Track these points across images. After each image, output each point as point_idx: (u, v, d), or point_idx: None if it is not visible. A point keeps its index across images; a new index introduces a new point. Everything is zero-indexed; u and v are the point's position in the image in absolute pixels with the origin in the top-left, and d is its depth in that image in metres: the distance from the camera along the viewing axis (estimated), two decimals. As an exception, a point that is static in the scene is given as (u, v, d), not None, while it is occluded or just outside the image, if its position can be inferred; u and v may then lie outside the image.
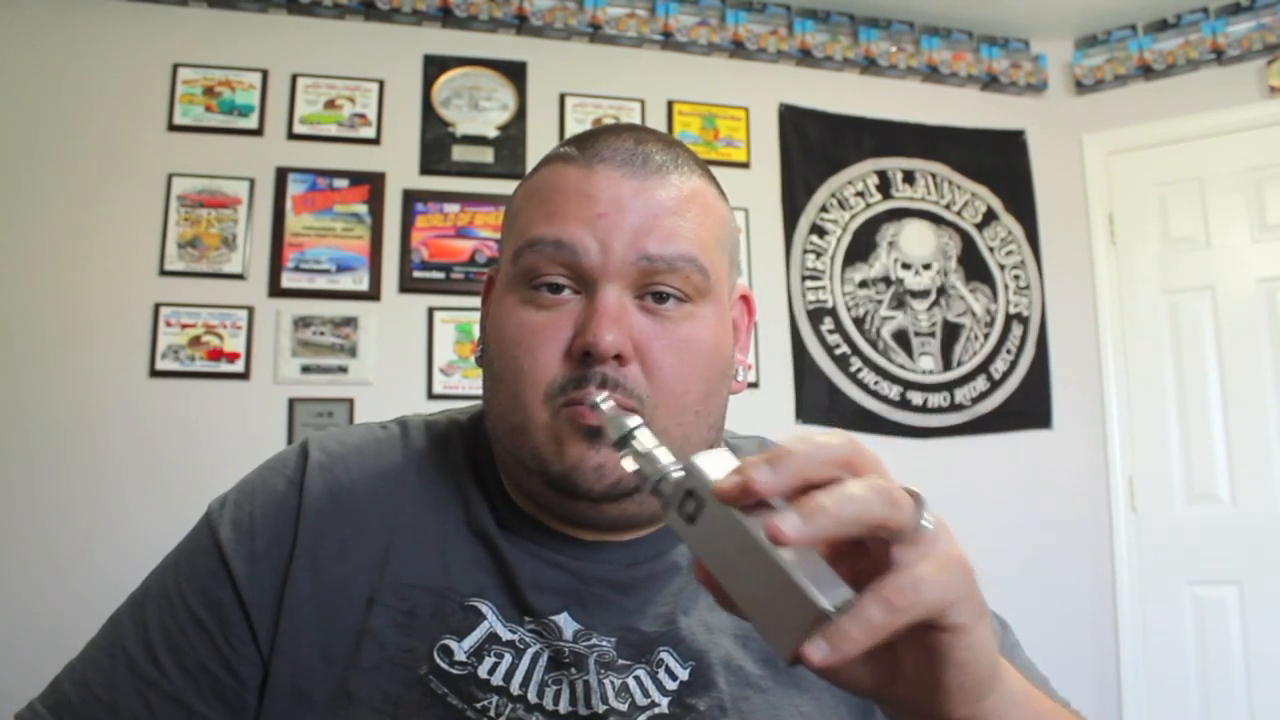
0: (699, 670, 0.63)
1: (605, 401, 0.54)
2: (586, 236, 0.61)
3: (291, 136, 2.45)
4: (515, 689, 0.61)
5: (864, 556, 0.42)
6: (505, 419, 0.63)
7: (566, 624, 0.63)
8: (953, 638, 0.41)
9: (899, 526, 0.40)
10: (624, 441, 0.49)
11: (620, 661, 0.63)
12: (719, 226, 0.67)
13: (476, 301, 0.74)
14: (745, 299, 0.72)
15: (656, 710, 0.61)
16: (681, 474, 0.44)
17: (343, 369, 2.37)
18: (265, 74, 2.46)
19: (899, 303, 2.82)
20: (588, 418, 0.59)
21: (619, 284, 0.61)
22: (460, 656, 0.61)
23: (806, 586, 0.39)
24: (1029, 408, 2.86)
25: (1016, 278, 2.93)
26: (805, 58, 2.84)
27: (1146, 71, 2.89)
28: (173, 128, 2.38)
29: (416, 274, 2.46)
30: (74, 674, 0.64)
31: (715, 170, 0.71)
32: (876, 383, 2.75)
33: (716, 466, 0.43)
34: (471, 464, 0.69)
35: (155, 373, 2.26)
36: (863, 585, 0.41)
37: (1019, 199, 2.98)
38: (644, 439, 0.49)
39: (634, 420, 0.49)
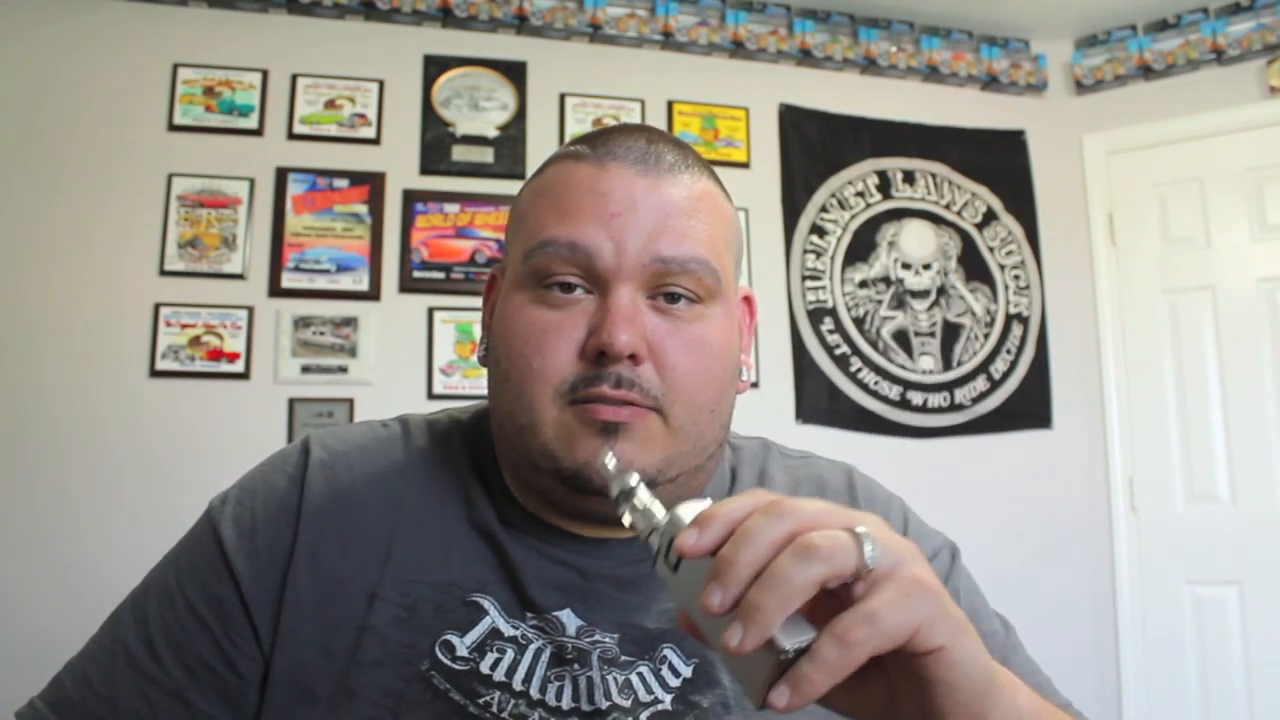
0: (702, 668, 0.63)
1: (610, 460, 0.55)
2: (600, 236, 0.61)
3: (291, 136, 2.45)
4: (518, 685, 0.61)
5: (834, 595, 0.43)
6: (513, 418, 0.63)
7: (569, 620, 0.63)
8: (932, 660, 0.42)
9: (844, 575, 0.41)
10: (625, 497, 0.50)
11: (623, 658, 0.63)
12: (727, 228, 0.67)
13: (477, 301, 0.74)
14: (748, 300, 0.72)
15: (659, 707, 0.61)
16: (664, 523, 0.46)
17: (343, 369, 2.37)
18: (265, 74, 2.46)
19: (899, 303, 2.82)
20: (601, 414, 0.59)
21: (632, 284, 0.61)
22: (462, 652, 0.61)
23: None
24: (1029, 408, 2.86)
25: (1016, 278, 2.93)
26: (805, 58, 2.84)
27: (1146, 71, 2.89)
28: (173, 128, 2.38)
29: (416, 274, 2.46)
30: (74, 671, 0.64)
31: (715, 170, 0.71)
32: (876, 383, 2.75)
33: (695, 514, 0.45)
34: (473, 461, 0.69)
35: (155, 373, 2.26)
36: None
37: (1019, 199, 2.98)
38: (642, 495, 0.50)
39: (634, 478, 0.50)
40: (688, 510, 0.45)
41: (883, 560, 0.41)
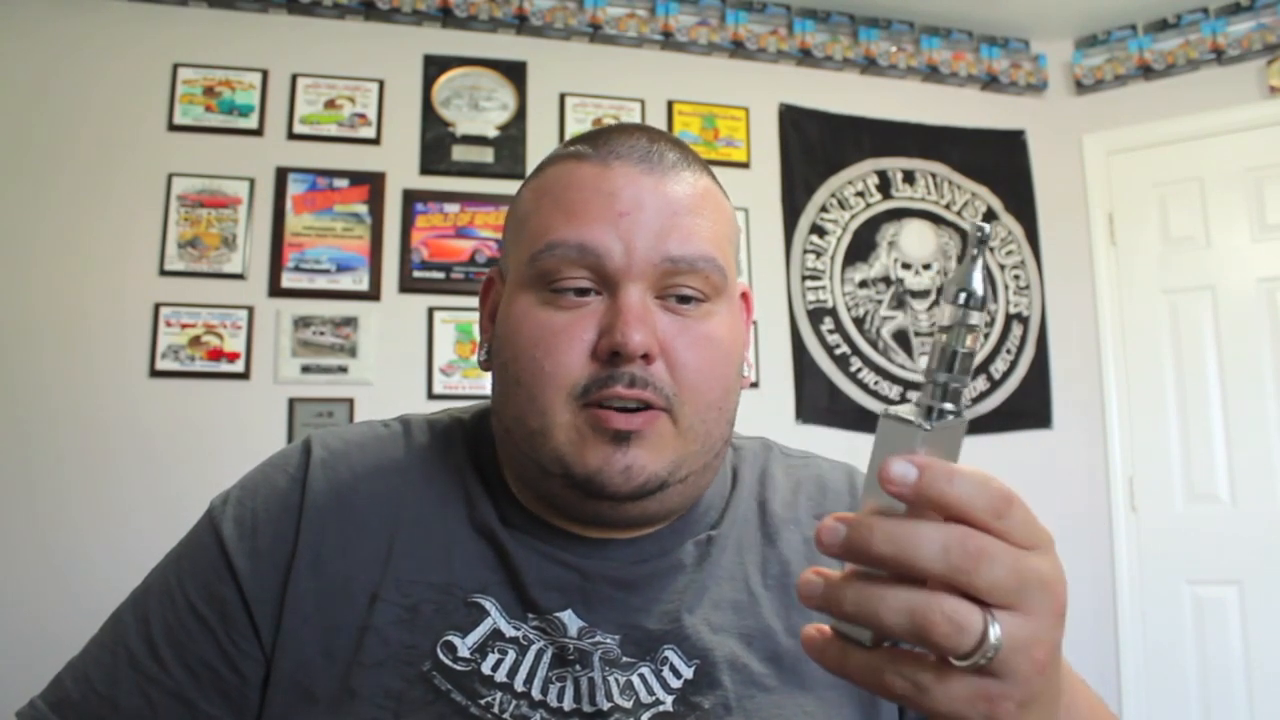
0: (704, 669, 0.62)
1: (982, 236, 0.41)
2: (609, 237, 0.61)
3: (291, 136, 2.45)
4: (519, 686, 0.61)
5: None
6: (523, 422, 0.63)
7: (570, 621, 0.63)
8: None
9: (938, 653, 0.37)
10: (968, 311, 0.38)
11: (625, 659, 0.62)
12: (728, 225, 0.68)
13: (477, 301, 0.74)
14: (745, 297, 0.72)
15: (661, 708, 0.61)
16: (899, 410, 0.39)
17: (343, 369, 2.37)
18: (265, 74, 2.45)
19: (899, 303, 2.82)
20: (613, 422, 0.59)
21: (642, 283, 0.61)
22: (464, 653, 0.61)
23: None
24: (1029, 408, 2.86)
25: (1016, 278, 2.93)
26: (805, 58, 2.84)
27: (1146, 71, 2.89)
28: (173, 128, 2.38)
29: (416, 274, 2.46)
30: (76, 671, 0.64)
31: (715, 170, 0.71)
32: (876, 383, 2.75)
33: (893, 439, 0.39)
34: (474, 461, 0.69)
35: (155, 373, 2.26)
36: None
37: (1019, 199, 2.98)
38: (955, 318, 0.39)
39: (969, 292, 0.39)
40: (892, 434, 0.38)
41: (989, 665, 0.37)
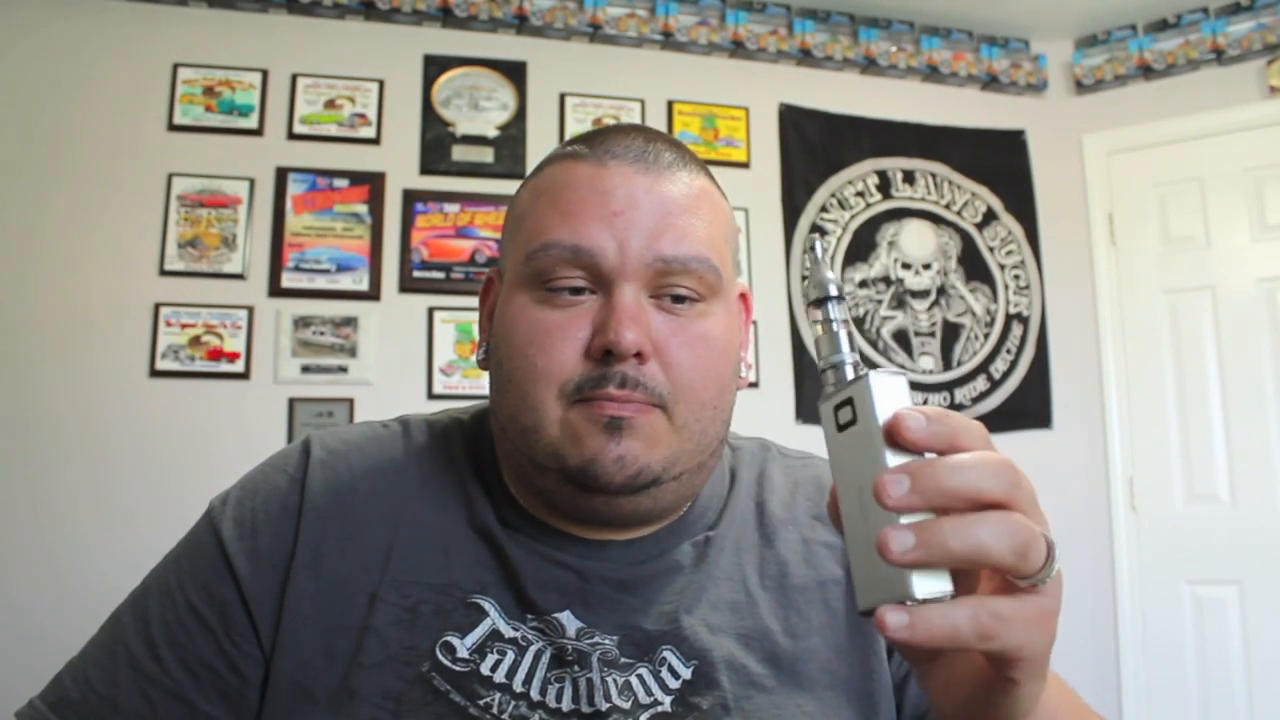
0: (702, 669, 0.62)
1: (819, 243, 0.47)
2: (603, 237, 0.61)
3: (291, 136, 2.45)
4: (518, 686, 0.61)
5: None
6: (517, 419, 0.63)
7: (569, 622, 0.63)
8: (1002, 685, 0.42)
9: (1019, 575, 0.39)
10: (822, 303, 0.44)
11: (623, 660, 0.62)
12: (726, 225, 0.67)
13: (477, 301, 0.74)
14: (744, 297, 0.72)
15: (659, 709, 0.61)
16: (854, 380, 0.41)
17: (343, 369, 2.37)
18: (265, 74, 2.46)
19: (899, 303, 2.82)
20: (607, 409, 0.60)
21: (635, 283, 0.61)
22: (463, 654, 0.61)
23: None
24: (1029, 408, 2.86)
25: (1016, 278, 2.93)
26: (805, 58, 2.84)
27: (1146, 71, 2.89)
28: (173, 127, 2.38)
29: (416, 274, 2.46)
30: (75, 671, 0.64)
31: (715, 170, 0.71)
32: (876, 383, 2.74)
33: (889, 394, 0.40)
34: (473, 462, 0.69)
35: (155, 373, 2.26)
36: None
37: (1019, 199, 2.98)
38: (840, 311, 0.44)
39: (837, 285, 0.45)
40: (883, 385, 0.40)
41: (1048, 584, 0.40)
